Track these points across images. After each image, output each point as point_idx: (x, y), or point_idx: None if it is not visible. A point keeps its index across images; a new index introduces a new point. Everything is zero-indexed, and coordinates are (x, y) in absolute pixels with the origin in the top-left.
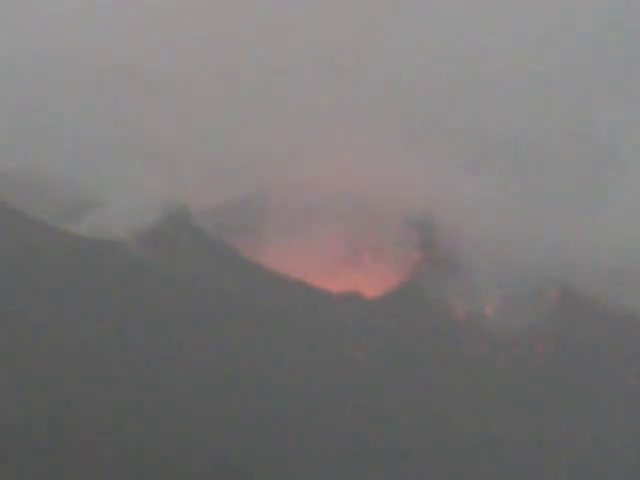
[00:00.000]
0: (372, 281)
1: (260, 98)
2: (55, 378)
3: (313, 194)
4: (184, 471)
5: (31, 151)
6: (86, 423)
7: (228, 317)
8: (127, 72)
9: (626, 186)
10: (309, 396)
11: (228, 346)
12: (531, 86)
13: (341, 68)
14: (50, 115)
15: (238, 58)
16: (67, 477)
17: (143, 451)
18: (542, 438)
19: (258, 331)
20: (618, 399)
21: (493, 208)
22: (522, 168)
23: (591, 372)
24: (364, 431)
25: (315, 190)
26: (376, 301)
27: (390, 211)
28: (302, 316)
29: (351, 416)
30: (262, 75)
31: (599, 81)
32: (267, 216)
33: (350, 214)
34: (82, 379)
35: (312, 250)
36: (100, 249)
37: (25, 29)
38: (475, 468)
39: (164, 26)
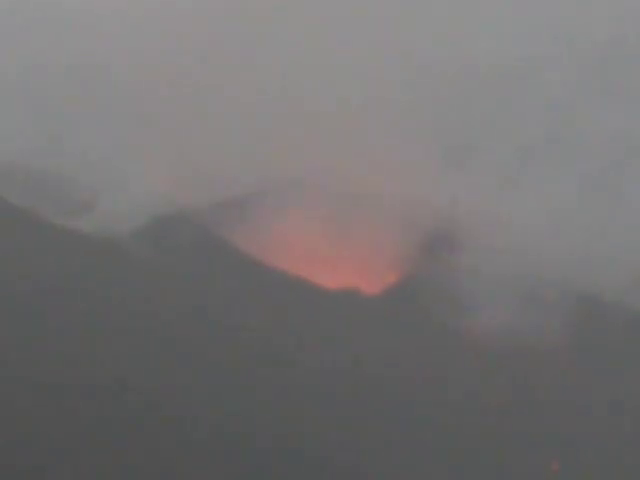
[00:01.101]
0: (371, 278)
1: (258, 96)
2: (55, 375)
3: (312, 192)
4: None
5: (32, 150)
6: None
7: (227, 315)
8: (125, 71)
9: None
10: (307, 392)
11: (226, 343)
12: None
13: (338, 66)
14: (50, 114)
15: (236, 57)
16: None
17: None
18: (543, 439)
19: (257, 328)
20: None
21: (501, 207)
22: (532, 168)
23: (606, 376)
24: (362, 427)
25: (314, 188)
26: (375, 298)
27: (390, 208)
28: (301, 312)
29: (349, 412)
30: (260, 73)
31: (602, 80)
32: (267, 214)
33: (350, 211)
34: (82, 376)
35: (311, 247)
36: (100, 247)
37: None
38: (473, 466)
39: (161, 22)
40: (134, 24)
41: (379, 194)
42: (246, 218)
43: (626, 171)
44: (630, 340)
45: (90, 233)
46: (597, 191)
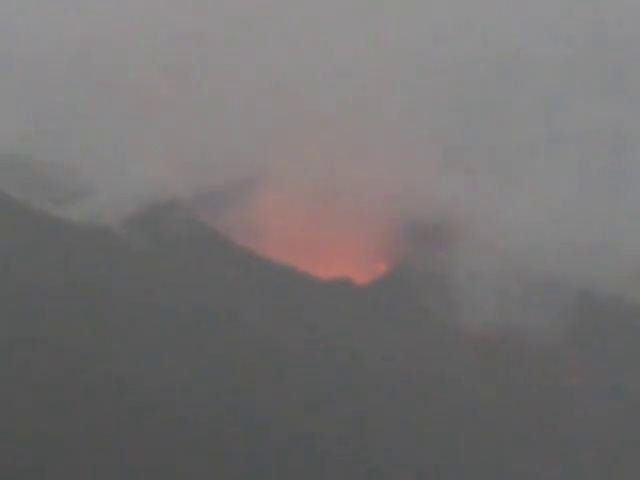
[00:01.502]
0: (362, 268)
1: (250, 85)
2: (46, 363)
3: (305, 181)
4: None
5: (23, 138)
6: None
7: (218, 303)
8: (120, 59)
9: None
10: (297, 381)
11: (220, 332)
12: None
13: (334, 57)
14: (43, 101)
15: (233, 45)
16: None
17: None
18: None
19: (248, 317)
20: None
21: (497, 200)
22: (528, 161)
23: (605, 372)
24: (352, 416)
25: (307, 177)
26: (365, 288)
27: (381, 199)
28: (291, 301)
29: (338, 402)
30: (256, 61)
31: (602, 74)
32: (257, 203)
33: (341, 201)
34: (73, 361)
35: (302, 237)
36: (93, 236)
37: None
38: (464, 455)
39: (158, 9)
40: (129, 9)
41: (371, 184)
42: (239, 207)
43: (624, 165)
44: (629, 335)
45: (82, 222)
46: (595, 185)
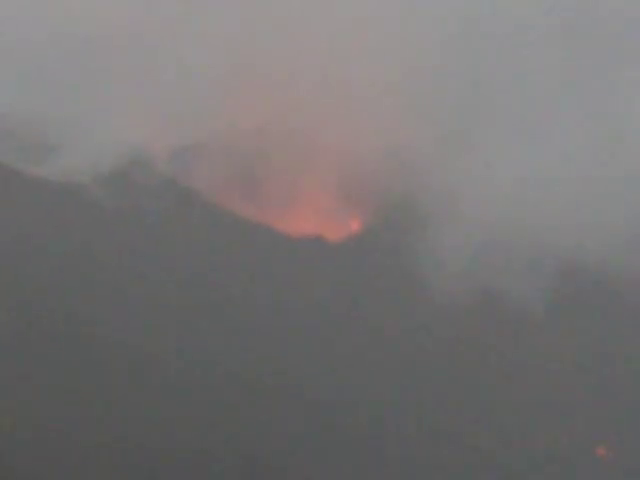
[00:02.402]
0: (335, 225)
1: (228, 43)
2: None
3: (277, 138)
4: None
5: None
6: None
7: (190, 261)
8: (94, 20)
9: None
10: (273, 338)
11: (193, 290)
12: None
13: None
14: (16, 60)
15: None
16: None
17: None
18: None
19: (219, 273)
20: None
21: (481, 169)
22: (520, 132)
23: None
24: (327, 379)
25: (279, 134)
26: (338, 245)
27: (356, 153)
28: (263, 259)
29: (311, 361)
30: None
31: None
32: (230, 159)
33: (315, 157)
34: (46, 321)
35: (274, 193)
36: (63, 192)
37: None
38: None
39: None
40: None
41: (345, 141)
42: (212, 165)
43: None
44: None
45: (53, 179)
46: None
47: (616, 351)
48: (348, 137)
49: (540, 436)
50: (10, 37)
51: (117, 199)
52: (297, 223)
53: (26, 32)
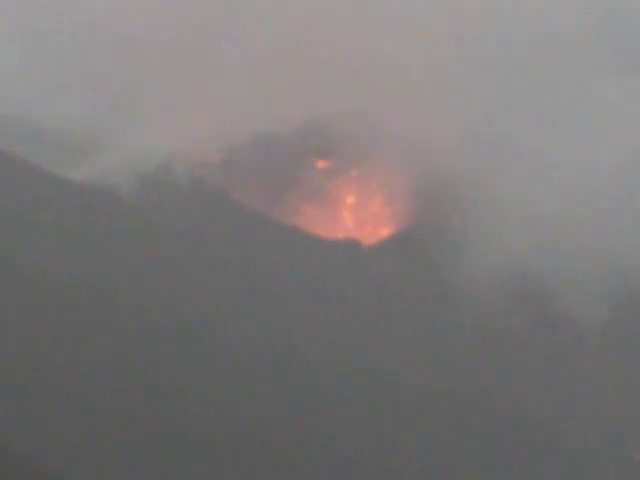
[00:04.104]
0: (369, 229)
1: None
2: (52, 326)
3: (310, 142)
4: None
5: (30, 100)
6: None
7: (223, 266)
8: (127, 26)
9: None
10: (303, 342)
11: (222, 296)
12: None
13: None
14: (50, 63)
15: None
16: None
17: None
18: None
19: (253, 278)
20: None
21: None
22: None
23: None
24: (357, 379)
25: (312, 138)
26: (372, 249)
27: (389, 157)
28: (296, 262)
29: (344, 364)
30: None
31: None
32: (264, 165)
33: (348, 161)
34: (77, 326)
35: (308, 197)
36: (99, 196)
37: None
38: (468, 427)
39: None
40: None
41: (380, 146)
42: (243, 168)
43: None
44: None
45: (88, 183)
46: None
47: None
48: (385, 142)
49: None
50: (44, 40)
51: (147, 201)
52: (331, 226)
53: (61, 35)
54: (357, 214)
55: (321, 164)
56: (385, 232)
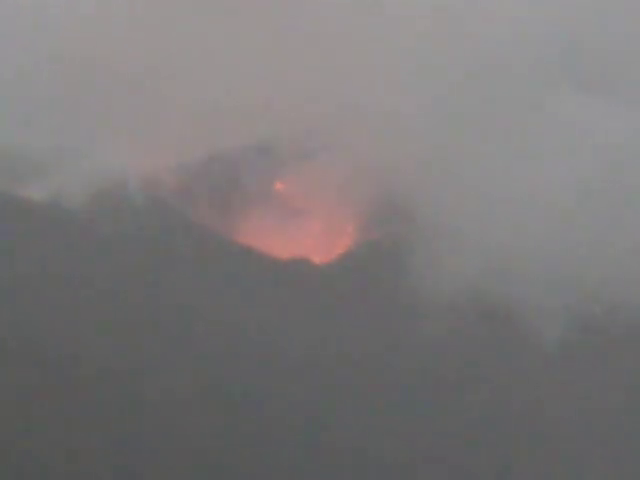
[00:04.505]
0: (321, 247)
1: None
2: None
3: (265, 159)
4: None
5: None
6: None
7: (181, 284)
8: (89, 39)
9: None
10: (259, 361)
11: (185, 312)
12: None
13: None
14: (2, 77)
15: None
16: None
17: None
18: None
19: (209, 296)
20: None
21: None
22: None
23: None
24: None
25: (265, 155)
26: (325, 267)
27: (342, 176)
28: (252, 282)
29: (298, 382)
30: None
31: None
32: (218, 182)
33: (303, 180)
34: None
35: (262, 217)
36: (55, 215)
37: None
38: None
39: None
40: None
41: (335, 161)
42: (200, 186)
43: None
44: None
45: (41, 201)
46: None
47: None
48: (345, 152)
49: None
50: (1, 58)
51: (105, 223)
52: (287, 245)
53: (18, 54)
54: (311, 233)
55: (277, 183)
56: (338, 252)
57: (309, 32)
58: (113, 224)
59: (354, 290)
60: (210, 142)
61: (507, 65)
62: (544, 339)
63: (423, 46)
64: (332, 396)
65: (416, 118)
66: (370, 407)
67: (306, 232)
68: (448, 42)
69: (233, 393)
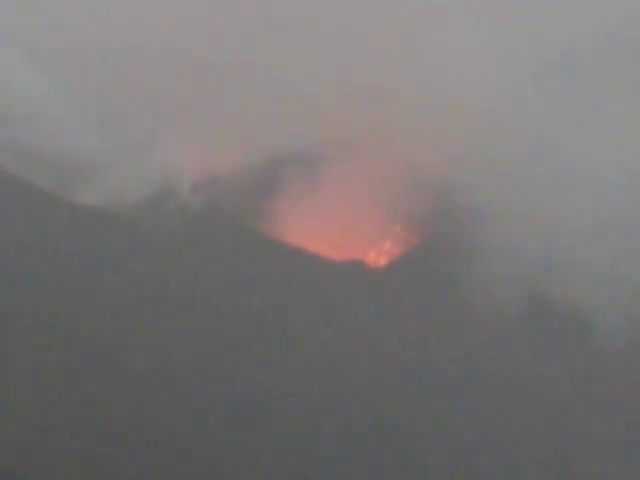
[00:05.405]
0: (376, 251)
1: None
2: (59, 355)
3: (318, 164)
4: None
5: (35, 123)
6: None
7: (233, 287)
8: (132, 40)
9: None
10: (308, 364)
11: (230, 315)
12: None
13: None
14: (53, 86)
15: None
16: None
17: None
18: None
19: (259, 299)
20: None
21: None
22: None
23: None
24: (365, 402)
25: (319, 161)
26: (379, 271)
27: (400, 180)
28: (303, 284)
29: (352, 386)
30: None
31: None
32: (272, 187)
33: (356, 182)
34: (85, 352)
35: (315, 218)
36: (103, 220)
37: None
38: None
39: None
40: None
41: (386, 166)
42: (251, 191)
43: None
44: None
45: (93, 206)
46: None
47: None
48: (395, 161)
49: None
50: (47, 61)
51: (152, 226)
52: (338, 248)
53: (64, 56)
54: (362, 235)
55: (329, 185)
56: (392, 252)
57: (378, 35)
58: (164, 225)
59: (408, 292)
60: (266, 144)
61: (556, 67)
62: (607, 340)
63: (471, 43)
64: (387, 398)
65: (474, 116)
66: (426, 410)
67: (360, 234)
68: (499, 41)
69: (283, 395)
